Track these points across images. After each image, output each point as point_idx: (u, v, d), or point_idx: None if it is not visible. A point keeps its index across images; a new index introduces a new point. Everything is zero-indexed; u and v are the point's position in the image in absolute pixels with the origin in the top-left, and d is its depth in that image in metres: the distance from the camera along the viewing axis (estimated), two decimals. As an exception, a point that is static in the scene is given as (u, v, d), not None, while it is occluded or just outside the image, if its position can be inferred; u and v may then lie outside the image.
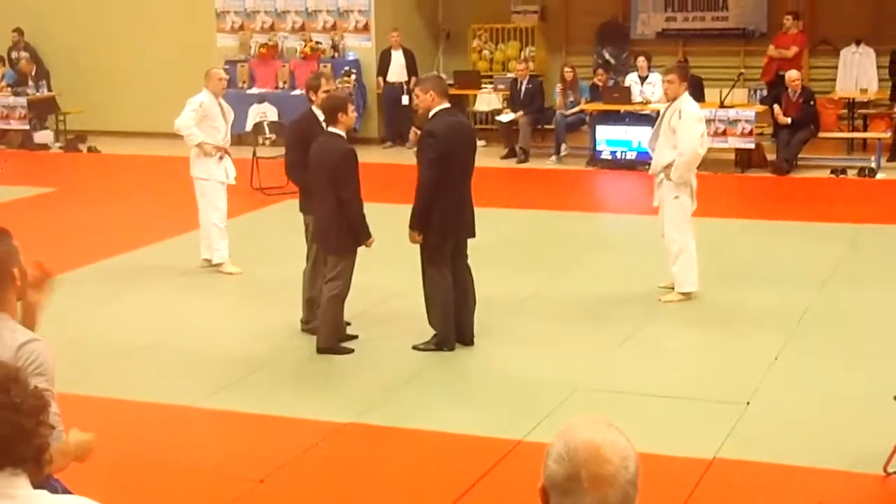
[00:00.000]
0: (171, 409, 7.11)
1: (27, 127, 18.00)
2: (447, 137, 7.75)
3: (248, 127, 16.12)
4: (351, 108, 8.08)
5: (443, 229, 7.85)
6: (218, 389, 7.44)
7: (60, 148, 17.99)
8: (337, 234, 7.91)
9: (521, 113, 16.11)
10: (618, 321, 8.66)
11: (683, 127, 8.90)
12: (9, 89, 18.20)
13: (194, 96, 10.34)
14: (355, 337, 8.26)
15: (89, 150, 17.68)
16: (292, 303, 8.61)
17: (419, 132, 8.27)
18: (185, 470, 6.30)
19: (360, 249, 8.04)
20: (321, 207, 8.00)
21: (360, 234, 7.95)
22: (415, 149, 8.68)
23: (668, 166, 8.96)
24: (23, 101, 17.99)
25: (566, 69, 16.34)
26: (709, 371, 7.71)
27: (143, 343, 8.34)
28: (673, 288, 9.15)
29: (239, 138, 16.83)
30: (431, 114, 7.86)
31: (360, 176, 7.99)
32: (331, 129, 7.96)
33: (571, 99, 16.17)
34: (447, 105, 7.94)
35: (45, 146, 17.98)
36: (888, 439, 5.92)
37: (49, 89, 18.63)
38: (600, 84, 16.24)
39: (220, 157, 10.32)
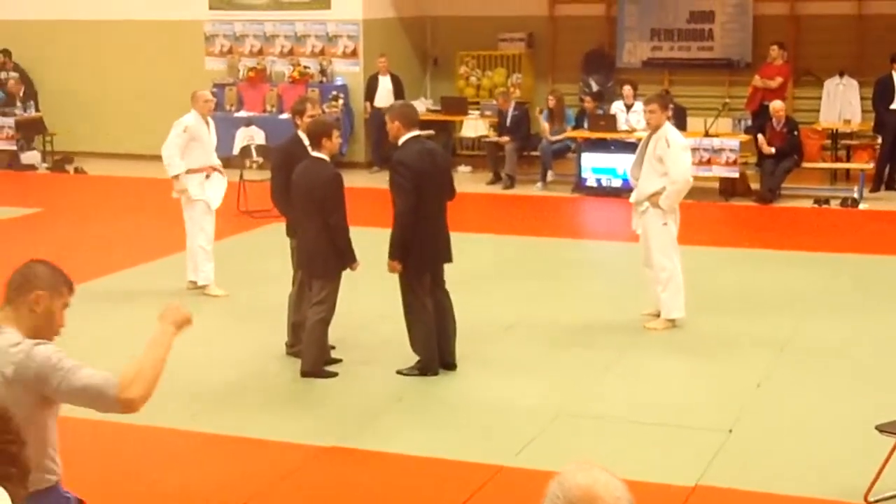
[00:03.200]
0: (152, 432, 7.09)
1: (14, 147, 17.99)
2: (417, 166, 7.76)
3: (236, 150, 16.13)
4: (336, 133, 8.10)
5: (420, 259, 7.87)
6: (201, 412, 7.43)
7: (47, 169, 17.99)
8: (323, 259, 7.93)
9: (507, 139, 16.19)
10: (602, 347, 8.69)
11: (672, 155, 8.95)
12: (-3, 110, 18.23)
13: (181, 118, 10.39)
14: (339, 361, 8.27)
15: (76, 171, 17.67)
16: (277, 326, 8.62)
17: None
18: (167, 493, 6.29)
19: (345, 273, 8.06)
20: (306, 232, 8.00)
21: (346, 258, 7.97)
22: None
23: (655, 195, 9.01)
24: (10, 121, 17.99)
25: (549, 97, 16.43)
26: (692, 398, 7.74)
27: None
28: (657, 315, 9.19)
29: (226, 161, 16.88)
30: (400, 142, 7.89)
31: (347, 200, 8.02)
32: (315, 153, 7.99)
33: (556, 126, 16.24)
34: (416, 133, 7.95)
35: (32, 167, 17.96)
36: (870, 468, 5.95)
37: (37, 110, 18.64)
38: (589, 109, 16.30)
39: (207, 176, 10.36)
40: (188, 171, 10.26)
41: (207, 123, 10.42)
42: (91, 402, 3.75)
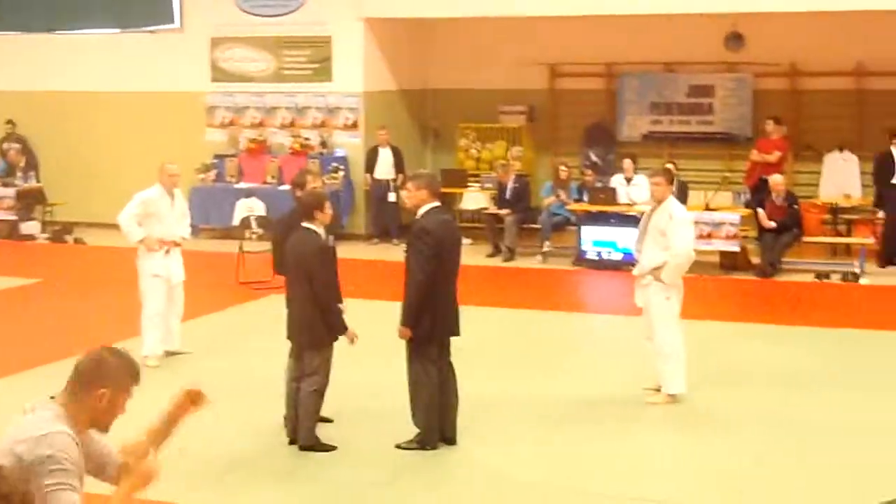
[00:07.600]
0: (148, 506, 6.98)
1: (14, 217, 18.02)
2: (440, 235, 7.80)
3: (236, 221, 16.15)
4: (328, 205, 8.14)
5: (432, 327, 7.85)
6: (197, 486, 7.32)
7: (47, 239, 17.99)
8: (311, 328, 7.91)
9: (507, 211, 16.21)
10: (602, 422, 8.60)
11: (676, 229, 8.95)
12: (-1, 180, 18.29)
13: (143, 191, 10.38)
14: (330, 420, 8.22)
15: (75, 241, 17.67)
16: (275, 398, 8.53)
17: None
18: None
19: (343, 345, 8.00)
20: (296, 302, 8.02)
21: (333, 325, 7.93)
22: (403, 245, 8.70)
23: (658, 268, 8.98)
24: (11, 191, 18.04)
25: (561, 168, 16.47)
26: (692, 475, 7.64)
27: (121, 439, 8.18)
28: (658, 389, 9.11)
29: (226, 232, 16.90)
30: (422, 211, 7.91)
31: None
32: (306, 224, 8.00)
33: (563, 198, 16.24)
34: (437, 203, 7.99)
35: (31, 237, 17.97)
36: (875, 547, 5.86)
37: (38, 180, 18.68)
38: (589, 182, 16.35)
39: (167, 251, 10.30)
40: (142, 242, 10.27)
41: (172, 196, 10.41)
42: None
